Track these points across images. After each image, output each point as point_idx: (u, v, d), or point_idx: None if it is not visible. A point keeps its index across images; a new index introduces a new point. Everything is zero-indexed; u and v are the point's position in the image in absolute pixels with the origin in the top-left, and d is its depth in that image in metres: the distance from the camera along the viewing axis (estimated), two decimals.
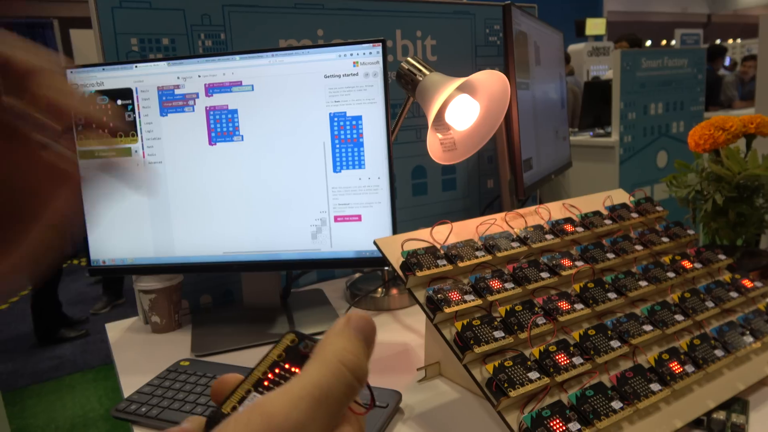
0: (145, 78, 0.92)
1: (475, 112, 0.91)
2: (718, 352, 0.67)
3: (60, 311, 3.37)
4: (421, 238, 0.73)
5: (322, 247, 0.94)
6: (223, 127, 0.92)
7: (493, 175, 1.42)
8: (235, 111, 0.92)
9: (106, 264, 0.98)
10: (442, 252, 0.71)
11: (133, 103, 0.93)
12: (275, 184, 0.93)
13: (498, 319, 0.64)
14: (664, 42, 13.26)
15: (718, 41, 10.26)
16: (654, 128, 3.30)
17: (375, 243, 0.73)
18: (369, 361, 0.24)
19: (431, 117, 0.83)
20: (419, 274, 0.67)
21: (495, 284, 0.68)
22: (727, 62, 7.26)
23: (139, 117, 0.93)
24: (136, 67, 0.92)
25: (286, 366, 0.25)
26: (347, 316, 0.24)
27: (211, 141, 0.93)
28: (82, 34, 5.04)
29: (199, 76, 0.91)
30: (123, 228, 0.96)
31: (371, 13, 1.19)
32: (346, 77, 0.89)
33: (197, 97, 0.92)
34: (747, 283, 0.79)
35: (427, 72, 0.92)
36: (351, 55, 0.88)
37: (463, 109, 0.90)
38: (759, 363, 0.70)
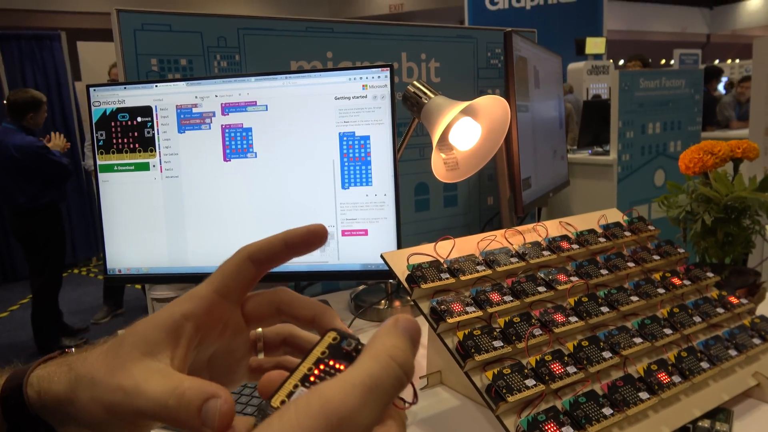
0: (165, 97, 0.97)
1: (477, 133, 0.96)
2: (704, 364, 0.71)
3: (60, 320, 3.40)
4: (426, 252, 0.78)
5: (330, 259, 0.98)
6: (237, 144, 0.97)
7: (493, 193, 1.47)
8: (250, 129, 0.97)
9: (122, 273, 1.02)
10: (445, 266, 0.75)
11: (152, 120, 0.98)
12: (286, 199, 0.97)
13: (497, 330, 0.69)
14: (663, 61, 13.42)
15: (716, 61, 10.38)
16: (652, 147, 3.35)
17: (382, 257, 0.78)
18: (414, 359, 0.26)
19: (436, 138, 0.88)
20: (424, 286, 0.71)
21: (495, 297, 0.72)
22: (723, 83, 7.35)
23: (158, 134, 0.98)
24: (156, 86, 0.97)
25: (330, 362, 0.27)
26: (395, 318, 0.27)
27: (226, 157, 0.98)
28: (89, 47, 5.12)
29: (216, 96, 0.97)
30: (139, 238, 1.00)
31: (378, 37, 1.25)
32: (355, 99, 0.94)
33: (214, 115, 0.97)
34: (733, 299, 0.83)
35: (432, 95, 0.97)
36: (360, 78, 0.94)
37: (466, 131, 0.95)
38: (743, 375, 0.74)
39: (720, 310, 0.81)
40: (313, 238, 0.34)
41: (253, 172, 0.97)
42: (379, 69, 0.93)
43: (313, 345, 0.28)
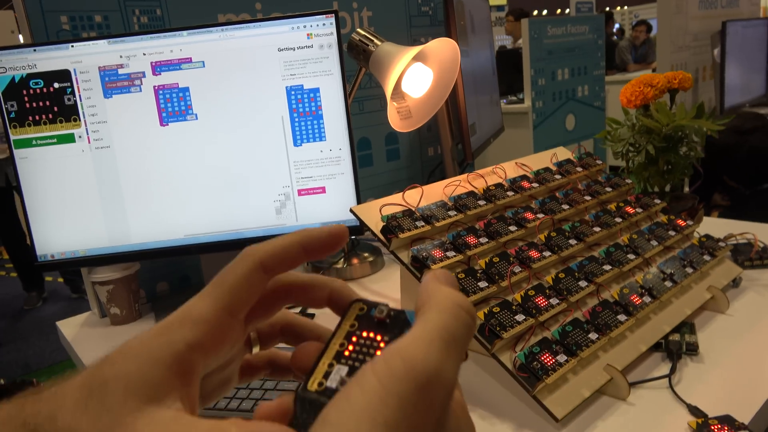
0: (84, 58, 0.87)
1: (429, 79, 0.94)
2: (668, 284, 0.76)
3: None
4: (396, 202, 0.76)
5: (287, 222, 0.94)
6: (174, 106, 0.89)
7: (434, 143, 1.47)
8: (187, 89, 0.89)
9: (55, 258, 0.92)
10: (418, 214, 0.74)
11: (72, 86, 0.88)
12: (234, 161, 0.91)
13: (479, 271, 0.69)
14: (558, 11, 13.91)
15: (607, 8, 10.92)
16: (562, 93, 3.49)
17: (351, 210, 0.75)
18: None
19: (390, 87, 0.86)
20: (401, 236, 0.70)
21: (471, 240, 0.72)
22: (615, 28, 7.73)
23: (81, 100, 0.88)
24: (72, 47, 0.87)
25: (363, 334, 0.25)
26: (432, 273, 0.25)
27: (163, 121, 0.90)
28: None
29: (144, 54, 0.88)
30: (71, 218, 0.91)
31: None
32: (300, 50, 0.88)
33: (144, 76, 0.88)
34: (681, 222, 0.88)
35: (379, 42, 0.93)
36: (304, 27, 0.88)
37: (418, 78, 0.92)
38: (699, 290, 0.80)
39: (671, 232, 0.86)
40: (334, 240, 0.29)
41: (194, 136, 0.90)
42: (324, 16, 0.88)
43: (340, 321, 0.26)
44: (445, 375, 0.20)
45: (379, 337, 0.25)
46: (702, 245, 0.85)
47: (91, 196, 0.90)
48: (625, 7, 10.47)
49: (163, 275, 1.08)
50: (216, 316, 0.26)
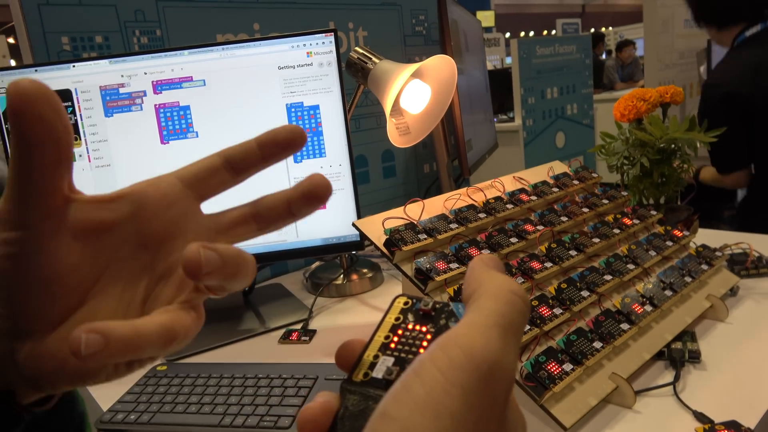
0: (85, 78, 0.88)
1: (427, 95, 0.95)
2: (668, 293, 0.76)
3: None
4: (398, 216, 0.76)
5: (288, 238, 0.94)
6: (175, 124, 0.90)
7: (429, 160, 1.48)
8: (187, 107, 0.90)
9: None
10: (420, 227, 0.75)
11: (73, 105, 0.88)
12: None
13: None
14: (545, 32, 14.17)
15: (592, 30, 11.14)
16: (551, 111, 3.54)
17: (354, 225, 0.75)
18: None
19: (390, 104, 0.87)
20: (405, 249, 0.70)
21: (473, 252, 0.73)
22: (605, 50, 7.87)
23: (81, 119, 0.89)
24: (73, 66, 0.87)
25: (409, 326, 0.25)
26: (479, 258, 0.25)
27: (164, 140, 0.90)
28: None
29: (146, 73, 0.89)
30: None
31: (305, 6, 1.20)
32: (300, 68, 0.90)
33: (144, 94, 0.89)
34: (677, 233, 0.90)
35: (377, 60, 0.95)
36: (304, 45, 0.90)
37: (416, 94, 0.94)
38: (698, 299, 0.80)
39: (669, 243, 0.87)
40: (288, 135, 0.31)
41: (195, 154, 0.90)
42: (323, 34, 0.89)
43: (383, 315, 0.26)
44: (506, 364, 0.20)
45: (424, 329, 0.25)
46: (699, 255, 0.86)
47: None
48: (610, 28, 10.69)
49: None
50: (168, 177, 0.31)
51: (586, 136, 3.84)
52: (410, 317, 0.25)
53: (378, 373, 0.23)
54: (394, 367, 0.23)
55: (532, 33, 14.09)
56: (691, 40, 2.90)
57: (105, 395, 0.79)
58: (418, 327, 0.25)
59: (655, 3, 2.55)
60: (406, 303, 0.26)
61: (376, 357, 0.24)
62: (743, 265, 0.93)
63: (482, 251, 0.73)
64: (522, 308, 0.22)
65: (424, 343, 0.24)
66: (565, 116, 3.68)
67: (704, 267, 0.84)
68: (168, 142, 0.90)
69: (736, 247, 0.97)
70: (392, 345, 0.24)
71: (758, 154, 1.62)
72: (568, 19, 9.13)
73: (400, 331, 0.25)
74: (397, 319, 0.25)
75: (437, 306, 0.26)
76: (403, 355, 0.24)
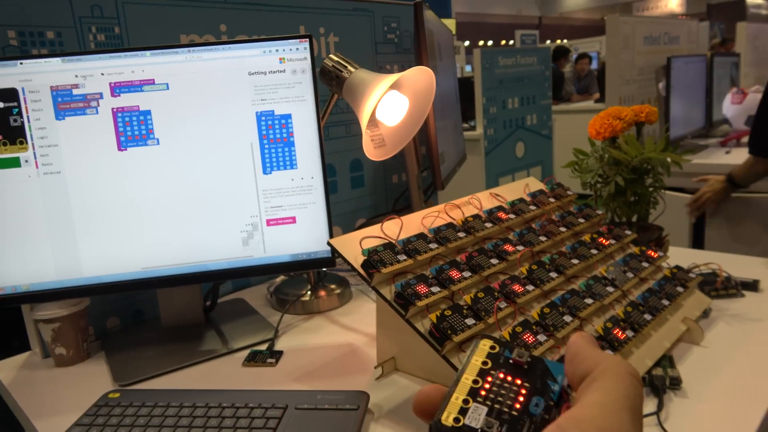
0: (34, 77, 0.80)
1: (405, 107, 0.92)
2: (647, 316, 0.75)
3: None
4: (375, 234, 0.73)
5: (254, 253, 0.89)
6: (134, 130, 0.83)
7: (398, 171, 1.45)
8: (148, 112, 0.83)
9: None
10: (399, 247, 0.71)
11: (19, 106, 0.81)
12: (199, 190, 0.86)
13: (465, 308, 0.66)
14: (503, 42, 14.42)
15: (548, 42, 11.41)
16: (512, 121, 3.58)
17: (329, 243, 0.71)
18: None
19: (366, 115, 0.83)
20: (384, 271, 0.66)
21: (455, 274, 0.70)
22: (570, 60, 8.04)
23: (29, 122, 0.81)
24: (21, 63, 0.80)
25: (500, 375, 0.25)
26: (582, 336, 0.26)
27: (121, 146, 0.84)
28: None
29: (103, 74, 0.82)
30: (14, 250, 0.83)
31: (275, 9, 1.15)
32: (272, 74, 0.85)
33: (101, 97, 0.82)
34: (652, 253, 0.89)
35: (353, 69, 0.91)
36: (276, 50, 0.85)
37: (393, 106, 0.90)
38: (674, 322, 0.80)
39: (645, 264, 0.86)
40: None
41: (156, 162, 0.85)
42: (297, 40, 0.85)
43: (468, 355, 0.26)
44: None
45: (518, 382, 0.25)
46: (674, 276, 0.86)
47: (38, 225, 0.83)
48: (565, 41, 10.97)
49: (113, 310, 1.00)
50: None
51: (544, 147, 3.90)
52: (500, 365, 0.26)
53: (472, 421, 0.23)
54: (493, 420, 0.23)
55: (490, 42, 14.31)
56: (650, 57, 2.99)
57: (49, 426, 0.72)
58: (510, 378, 0.25)
59: (618, 19, 2.60)
60: (492, 347, 0.27)
61: (466, 402, 0.24)
62: (713, 285, 0.94)
63: (463, 273, 0.70)
64: (641, 391, 0.24)
65: (520, 398, 0.24)
66: (525, 126, 3.73)
67: (680, 289, 0.83)
68: (126, 149, 0.84)
69: (705, 267, 0.97)
70: (482, 393, 0.25)
71: None
72: (527, 30, 9.31)
73: (489, 378, 0.25)
74: (484, 363, 0.26)
75: (529, 360, 0.26)
76: (497, 406, 0.24)
